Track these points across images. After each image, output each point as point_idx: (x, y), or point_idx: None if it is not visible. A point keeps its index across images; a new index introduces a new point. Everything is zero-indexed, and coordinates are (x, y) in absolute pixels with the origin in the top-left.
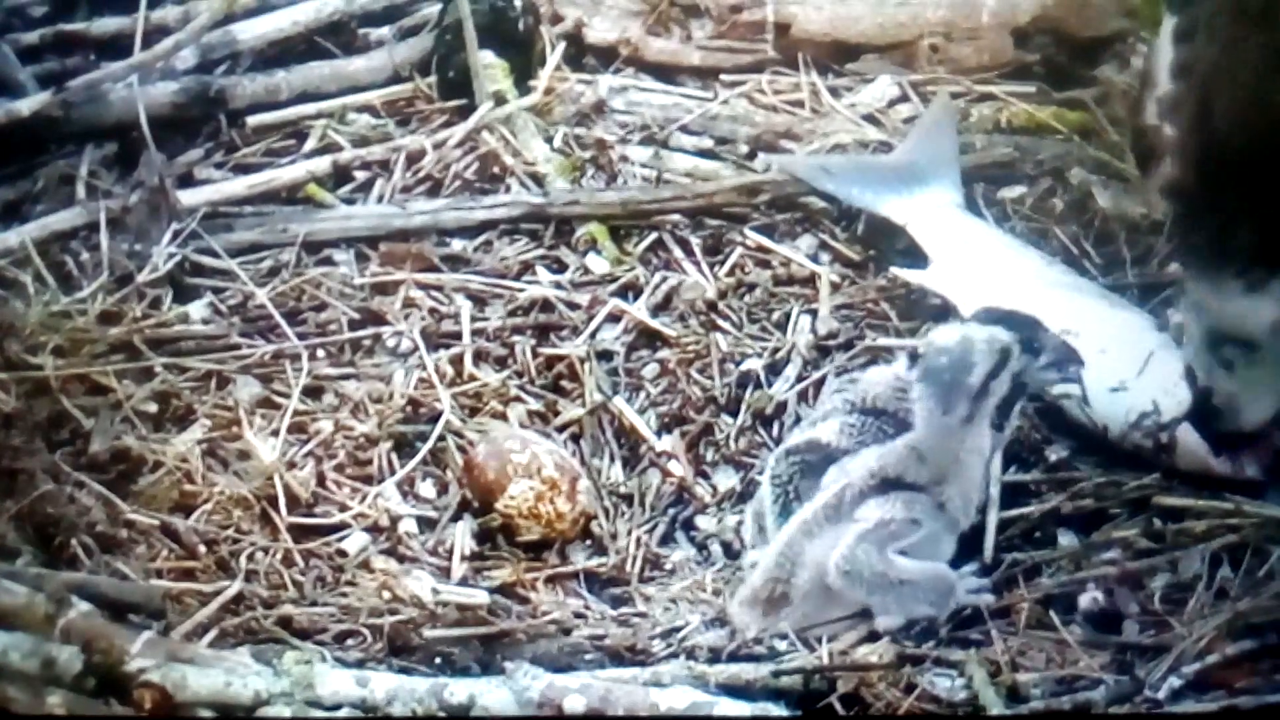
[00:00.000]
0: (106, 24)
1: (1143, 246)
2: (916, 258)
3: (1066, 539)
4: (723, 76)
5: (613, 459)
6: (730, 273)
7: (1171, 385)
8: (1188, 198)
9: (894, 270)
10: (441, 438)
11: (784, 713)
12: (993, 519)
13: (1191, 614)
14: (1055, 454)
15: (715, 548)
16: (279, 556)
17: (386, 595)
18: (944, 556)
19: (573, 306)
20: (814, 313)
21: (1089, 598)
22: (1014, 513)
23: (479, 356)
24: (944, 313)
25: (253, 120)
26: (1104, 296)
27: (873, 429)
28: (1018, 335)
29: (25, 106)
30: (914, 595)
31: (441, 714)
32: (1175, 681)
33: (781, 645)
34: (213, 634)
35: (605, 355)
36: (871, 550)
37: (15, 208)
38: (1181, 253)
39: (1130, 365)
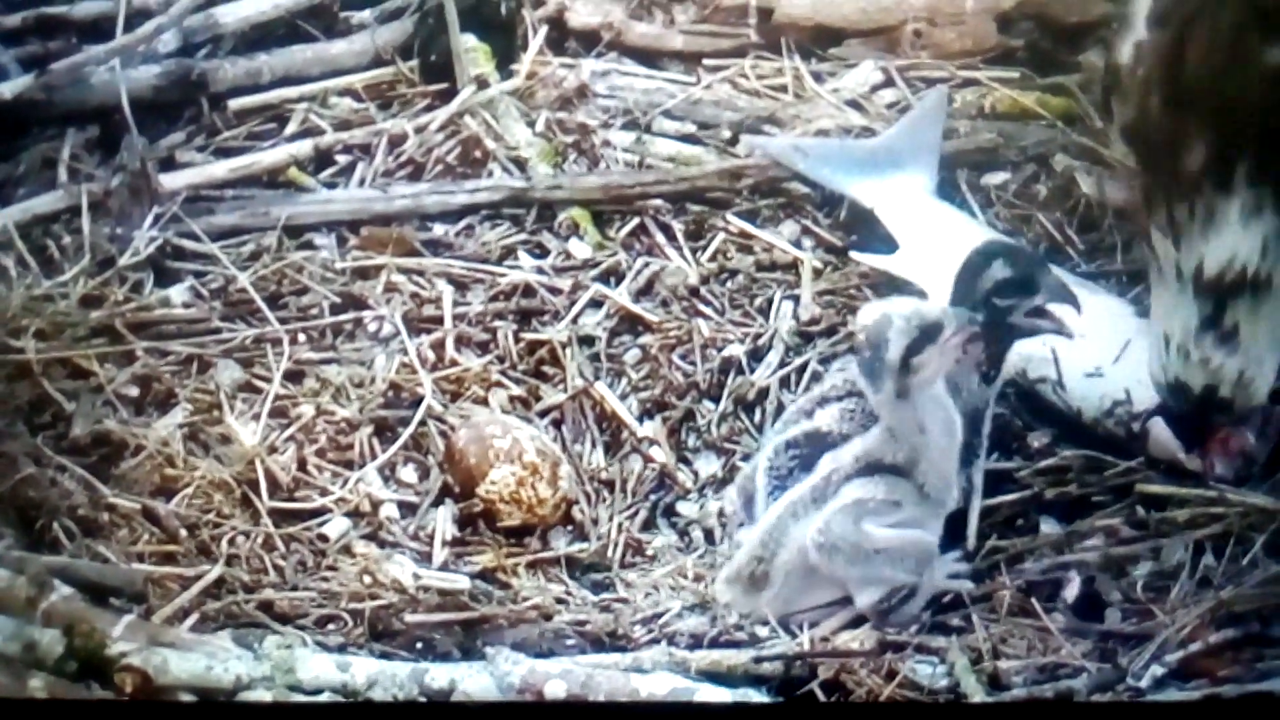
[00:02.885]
0: (89, 7)
1: (1126, 232)
2: (893, 245)
3: (1049, 526)
4: (705, 61)
5: (594, 444)
6: (712, 258)
7: (1146, 375)
8: (1149, 137)
9: (854, 254)
10: (423, 423)
11: (765, 699)
12: (976, 506)
13: (1174, 602)
14: (1038, 441)
15: (697, 533)
16: (260, 541)
17: (368, 580)
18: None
19: (554, 291)
20: (796, 298)
21: (1072, 585)
22: (997, 500)
23: (460, 341)
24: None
25: (234, 103)
26: (1081, 284)
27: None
28: (1017, 269)
29: (7, 89)
30: (891, 564)
31: (422, 699)
32: (1158, 670)
33: (763, 632)
34: (194, 618)
35: (587, 340)
36: (846, 521)
37: None
38: (1143, 200)
39: (1107, 351)
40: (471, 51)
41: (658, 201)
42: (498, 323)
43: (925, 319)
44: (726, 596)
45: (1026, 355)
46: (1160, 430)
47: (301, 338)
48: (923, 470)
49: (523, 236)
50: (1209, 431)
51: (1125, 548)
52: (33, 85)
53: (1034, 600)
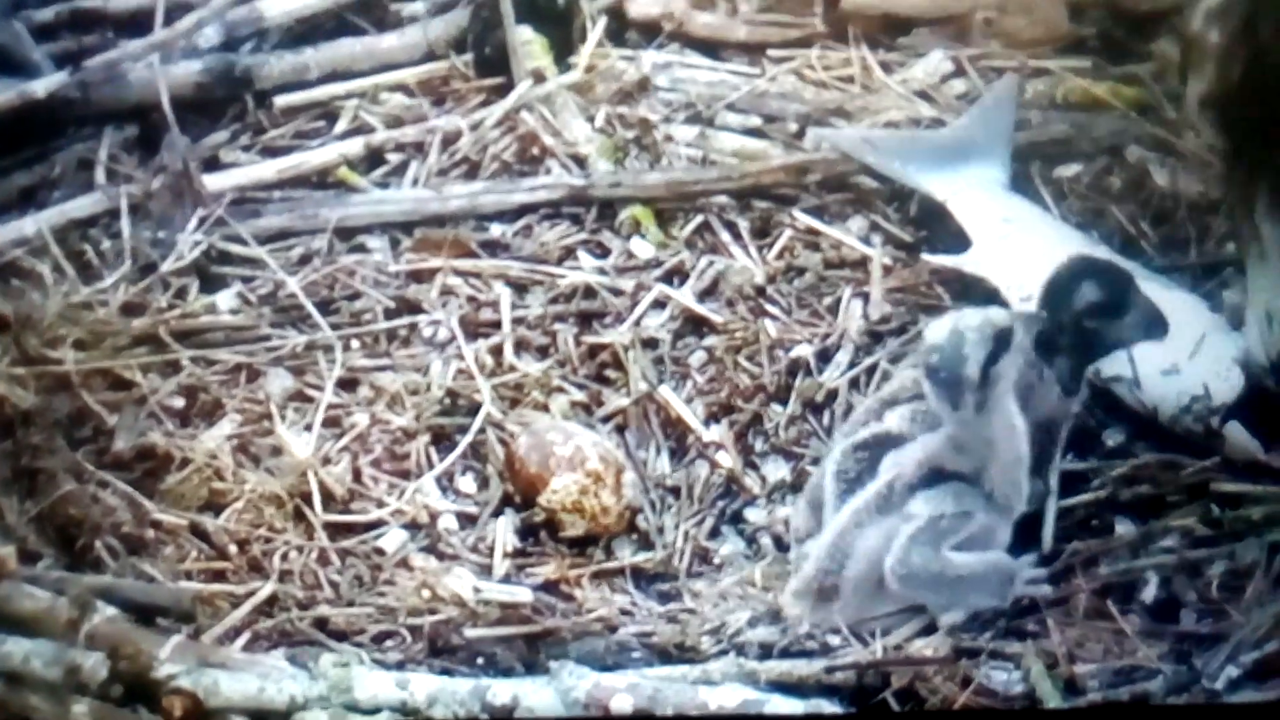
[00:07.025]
0: (125, 0)
1: (1201, 225)
2: (964, 241)
3: (1124, 527)
4: (770, 52)
5: (659, 450)
6: (779, 256)
7: (1224, 369)
8: (1226, 108)
9: (925, 256)
10: (481, 430)
11: (837, 709)
12: (1051, 508)
13: (1250, 602)
14: (1112, 439)
15: (765, 540)
16: (314, 555)
17: (426, 594)
18: (1000, 547)
19: (616, 293)
20: (866, 297)
21: (1149, 587)
22: (1071, 501)
23: (519, 346)
24: (996, 295)
25: (281, 100)
26: (1153, 278)
27: None
28: (1106, 290)
29: (41, 87)
30: (974, 589)
31: (484, 716)
32: (1233, 671)
33: (834, 640)
34: (245, 637)
35: (650, 343)
36: (926, 550)
37: (31, 194)
38: (1230, 179)
39: (1183, 348)
40: (528, 44)
41: (722, 198)
42: (558, 326)
43: (997, 327)
44: (795, 610)
45: None
46: (1238, 433)
47: (354, 344)
48: (990, 477)
49: (583, 236)
50: None
51: (1200, 548)
52: (67, 83)
53: (1109, 603)
